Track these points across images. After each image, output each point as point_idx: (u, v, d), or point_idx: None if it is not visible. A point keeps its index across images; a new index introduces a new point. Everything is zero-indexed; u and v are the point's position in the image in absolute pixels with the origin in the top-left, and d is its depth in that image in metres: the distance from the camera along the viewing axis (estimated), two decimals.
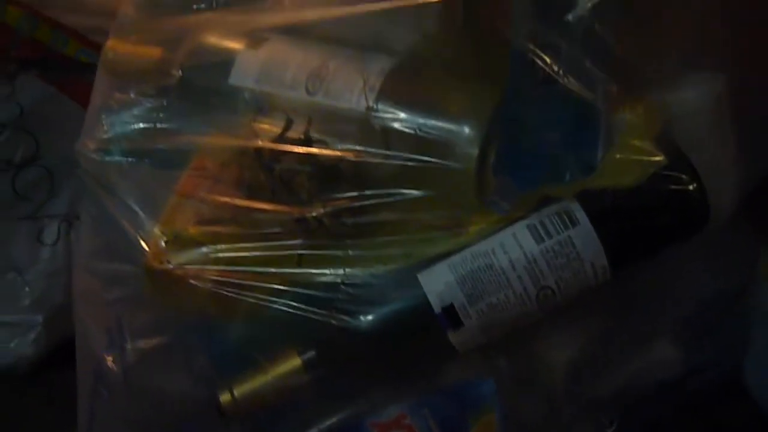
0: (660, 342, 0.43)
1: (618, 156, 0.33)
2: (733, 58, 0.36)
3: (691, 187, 0.34)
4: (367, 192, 0.34)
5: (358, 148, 0.34)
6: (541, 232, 0.34)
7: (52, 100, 0.67)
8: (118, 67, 0.45)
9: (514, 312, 0.35)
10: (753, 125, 0.38)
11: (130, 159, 0.42)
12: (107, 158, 0.43)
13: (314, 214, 0.35)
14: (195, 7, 0.43)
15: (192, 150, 0.40)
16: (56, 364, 0.63)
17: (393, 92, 0.35)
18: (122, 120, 0.43)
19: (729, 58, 0.36)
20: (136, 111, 0.43)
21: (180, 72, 0.41)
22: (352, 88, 0.35)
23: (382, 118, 0.34)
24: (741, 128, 0.37)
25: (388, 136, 0.34)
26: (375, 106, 0.34)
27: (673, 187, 0.34)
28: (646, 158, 0.33)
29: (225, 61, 0.39)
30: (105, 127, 0.43)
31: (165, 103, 0.42)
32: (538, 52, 0.32)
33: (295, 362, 0.37)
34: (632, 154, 0.33)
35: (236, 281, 0.37)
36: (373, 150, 0.34)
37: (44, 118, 0.67)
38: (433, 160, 0.33)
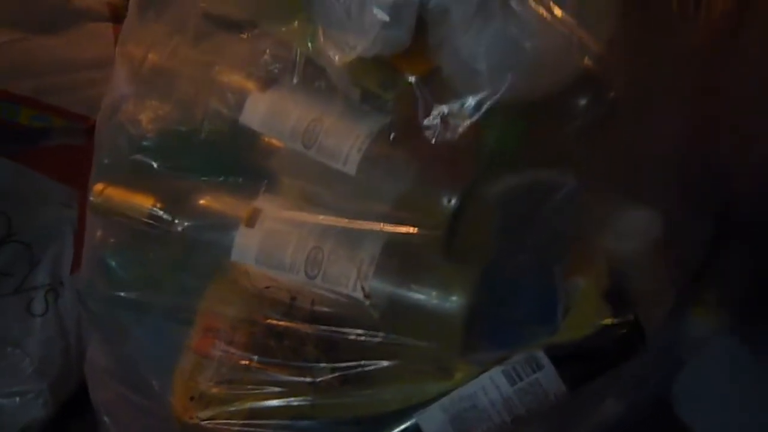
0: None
1: (575, 317, 0.40)
2: (666, 196, 0.42)
3: (631, 332, 0.41)
4: (369, 362, 0.41)
5: (358, 331, 0.40)
6: (514, 375, 0.42)
7: (15, 174, 0.67)
8: (108, 213, 0.47)
9: None
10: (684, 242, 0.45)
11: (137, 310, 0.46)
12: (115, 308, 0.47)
13: (324, 379, 0.41)
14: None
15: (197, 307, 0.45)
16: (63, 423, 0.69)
17: (385, 277, 0.40)
18: (125, 271, 0.47)
19: (663, 195, 0.42)
20: (137, 265, 0.46)
21: (181, 229, 0.44)
22: (348, 274, 0.40)
23: (377, 305, 0.39)
24: (673, 253, 0.45)
25: (385, 316, 0.40)
26: (370, 297, 0.39)
27: (617, 333, 0.41)
28: (596, 316, 0.41)
29: (225, 236, 0.42)
30: (107, 278, 0.47)
31: (165, 258, 0.45)
32: (508, 257, 0.38)
33: None
34: (585, 314, 0.41)
35: (260, 429, 0.43)
36: (372, 333, 0.40)
37: (10, 194, 0.67)
38: (424, 343, 0.40)
